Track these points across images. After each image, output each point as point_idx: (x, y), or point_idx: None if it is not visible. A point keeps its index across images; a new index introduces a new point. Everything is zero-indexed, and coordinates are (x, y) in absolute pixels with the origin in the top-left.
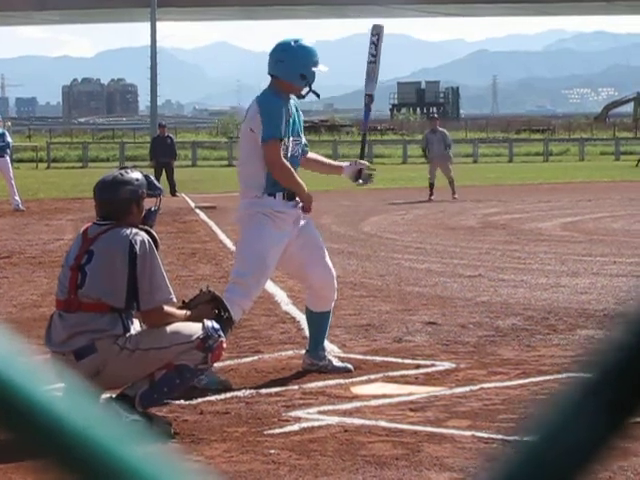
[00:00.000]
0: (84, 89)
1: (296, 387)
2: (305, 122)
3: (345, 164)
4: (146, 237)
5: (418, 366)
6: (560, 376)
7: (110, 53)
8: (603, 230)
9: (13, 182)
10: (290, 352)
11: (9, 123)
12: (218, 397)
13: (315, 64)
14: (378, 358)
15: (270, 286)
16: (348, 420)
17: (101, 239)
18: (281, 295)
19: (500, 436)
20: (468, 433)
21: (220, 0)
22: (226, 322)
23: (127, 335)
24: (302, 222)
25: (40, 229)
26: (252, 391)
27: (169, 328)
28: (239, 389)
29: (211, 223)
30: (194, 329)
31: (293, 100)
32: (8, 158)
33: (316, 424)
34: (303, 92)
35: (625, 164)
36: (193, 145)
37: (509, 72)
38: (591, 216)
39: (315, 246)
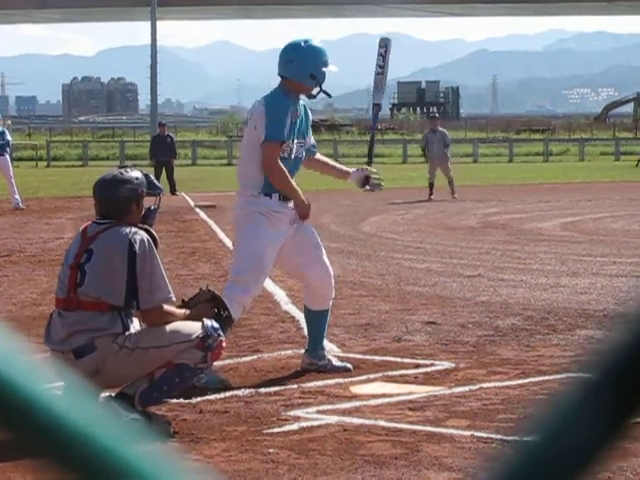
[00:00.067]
0: (84, 88)
1: (295, 386)
2: None
3: (353, 170)
4: (145, 236)
5: (417, 366)
6: (559, 376)
7: (111, 52)
8: (603, 230)
9: (13, 181)
10: (289, 351)
11: (9, 121)
12: (217, 396)
13: (325, 64)
14: (377, 357)
15: (269, 285)
16: (347, 419)
17: (100, 238)
18: (280, 294)
19: (499, 436)
20: (467, 433)
21: None
22: (226, 321)
23: (126, 334)
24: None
25: (40, 228)
26: (251, 390)
27: (169, 327)
28: (238, 388)
29: (211, 222)
30: (194, 328)
31: (303, 101)
32: (8, 156)
33: (315, 423)
34: (314, 92)
35: (625, 164)
36: (193, 144)
37: (509, 72)
38: (591, 216)
39: (312, 245)
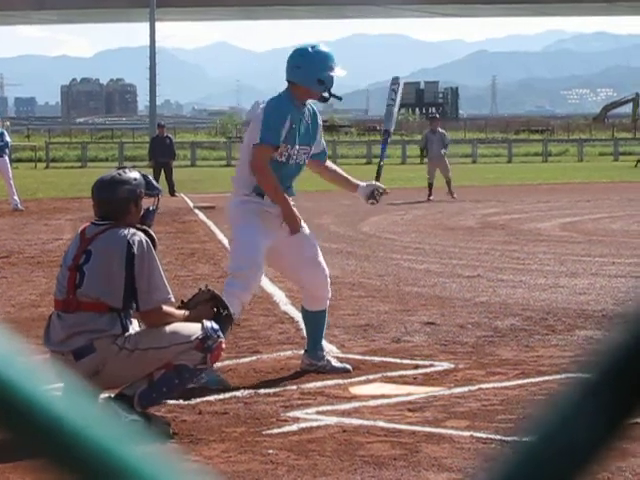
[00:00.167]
0: (83, 89)
1: (295, 387)
2: None
3: (362, 184)
4: (144, 237)
5: (417, 366)
6: (559, 377)
7: (109, 53)
8: (602, 231)
9: (12, 182)
10: (289, 352)
11: (8, 123)
12: (217, 397)
13: (332, 69)
14: (377, 358)
15: (269, 286)
16: (346, 420)
17: (99, 239)
18: (280, 295)
19: (499, 436)
20: (466, 433)
21: (219, 0)
22: (226, 319)
23: (126, 335)
24: None
25: (39, 229)
26: (251, 391)
27: (168, 328)
28: (238, 389)
29: (210, 223)
30: (193, 329)
31: (311, 106)
32: (7, 158)
33: (314, 424)
34: (325, 95)
35: (624, 165)
36: (192, 145)
37: (508, 72)
38: (590, 217)
39: (307, 245)
